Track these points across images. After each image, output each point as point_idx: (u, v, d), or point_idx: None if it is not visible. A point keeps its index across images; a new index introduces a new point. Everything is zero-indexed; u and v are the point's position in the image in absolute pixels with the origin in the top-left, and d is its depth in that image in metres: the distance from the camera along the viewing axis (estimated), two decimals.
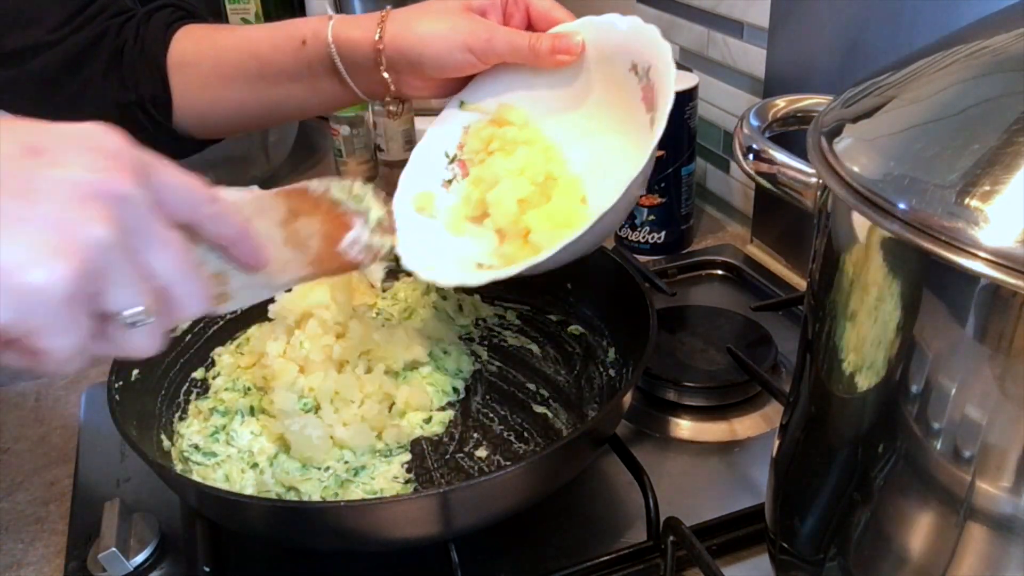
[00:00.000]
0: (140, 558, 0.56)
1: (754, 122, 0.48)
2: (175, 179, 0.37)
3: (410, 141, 1.12)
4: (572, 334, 0.72)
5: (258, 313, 0.71)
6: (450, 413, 0.66)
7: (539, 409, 0.66)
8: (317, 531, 0.51)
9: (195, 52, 0.67)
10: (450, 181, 0.66)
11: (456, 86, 0.66)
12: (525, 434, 0.64)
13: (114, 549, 0.55)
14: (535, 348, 0.72)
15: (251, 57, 0.65)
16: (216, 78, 0.66)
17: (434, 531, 0.51)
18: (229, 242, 0.41)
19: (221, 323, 0.71)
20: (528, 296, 0.76)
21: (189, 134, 0.69)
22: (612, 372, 0.67)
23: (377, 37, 0.62)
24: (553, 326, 0.74)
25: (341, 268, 0.50)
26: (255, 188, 0.48)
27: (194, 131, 0.69)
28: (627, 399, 0.57)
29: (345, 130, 1.12)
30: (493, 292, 0.77)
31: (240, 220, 0.42)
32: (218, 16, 1.47)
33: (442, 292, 0.75)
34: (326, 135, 1.24)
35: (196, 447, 0.60)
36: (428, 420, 0.65)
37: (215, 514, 0.55)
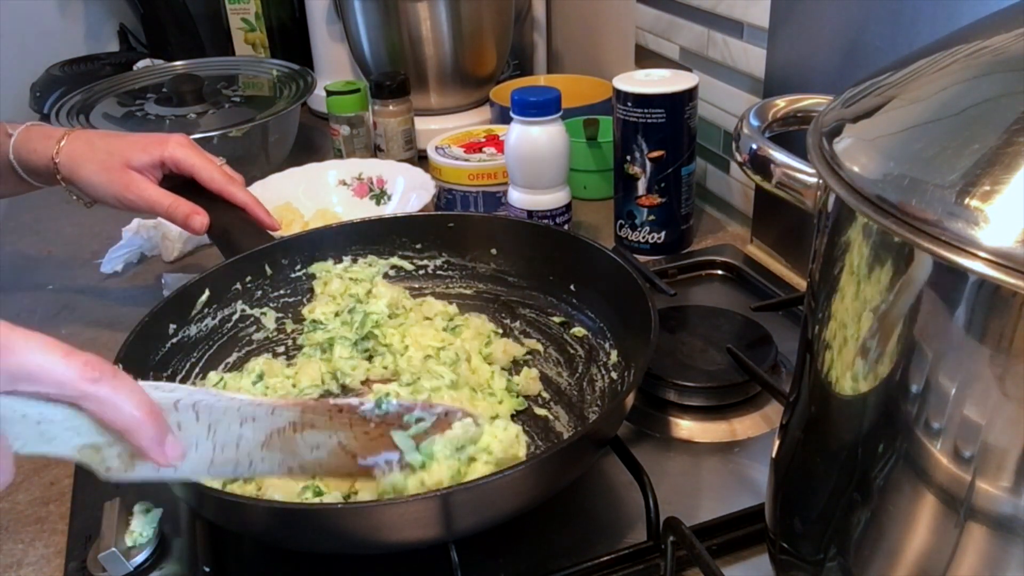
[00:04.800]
0: (140, 558, 0.56)
1: (754, 122, 0.48)
2: (34, 363, 0.39)
3: (410, 141, 1.12)
4: (575, 336, 0.72)
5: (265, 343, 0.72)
6: None
7: (540, 411, 0.65)
8: (316, 533, 0.50)
9: None
10: None
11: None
12: (525, 437, 0.63)
13: (114, 549, 0.55)
14: (540, 349, 0.72)
15: None
16: None
17: (434, 533, 0.50)
18: (120, 428, 0.42)
19: (223, 340, 0.71)
20: (531, 298, 0.76)
21: None
22: (614, 375, 0.67)
23: (54, 154, 0.77)
24: (556, 328, 0.74)
25: (346, 475, 0.53)
26: (278, 401, 0.50)
27: None
28: (629, 400, 0.57)
29: (345, 130, 1.13)
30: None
31: (138, 404, 0.42)
32: (217, 16, 1.48)
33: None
34: (326, 135, 1.24)
35: None
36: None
37: (214, 516, 0.55)
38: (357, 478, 0.53)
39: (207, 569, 0.55)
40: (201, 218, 0.76)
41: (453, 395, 0.64)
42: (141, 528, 0.57)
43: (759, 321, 0.74)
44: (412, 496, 0.53)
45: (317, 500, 0.55)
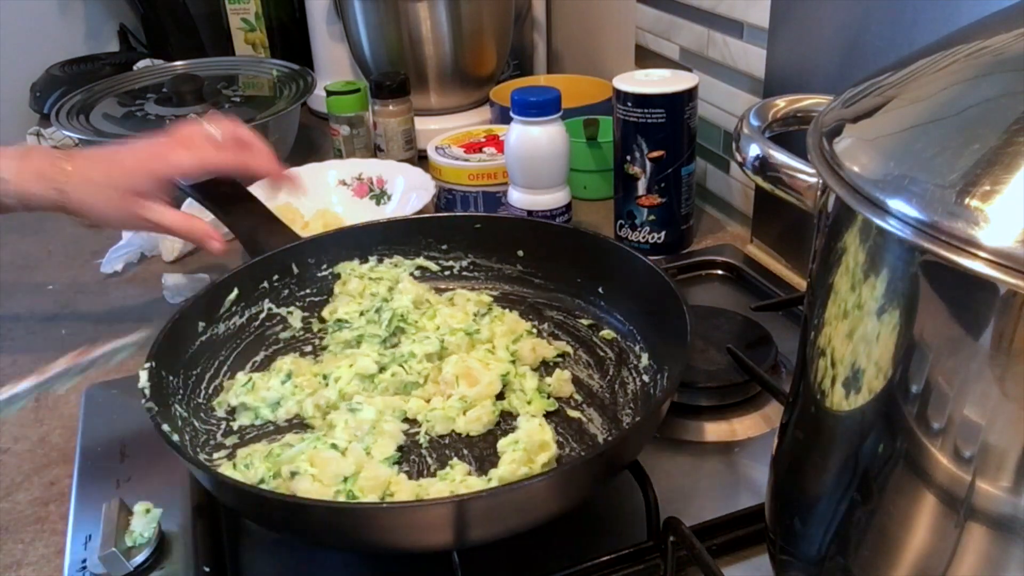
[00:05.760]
0: (140, 558, 0.56)
1: (754, 122, 0.48)
2: None
3: (410, 141, 1.12)
4: (604, 339, 0.71)
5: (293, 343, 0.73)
6: None
7: (573, 414, 0.65)
8: (329, 531, 0.50)
9: None
10: None
11: None
12: (559, 439, 0.62)
13: (114, 549, 0.55)
14: (569, 351, 0.71)
15: None
16: None
17: (450, 538, 0.50)
18: None
19: (250, 338, 0.71)
20: (558, 300, 0.76)
21: None
22: (646, 377, 0.66)
23: (56, 197, 0.74)
24: (584, 330, 0.73)
25: None
26: None
27: None
28: (664, 408, 0.55)
29: (345, 130, 1.13)
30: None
31: None
32: (217, 16, 1.48)
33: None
34: (326, 135, 1.24)
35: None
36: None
37: (232, 503, 0.55)
38: None
39: (207, 569, 0.55)
40: (217, 244, 0.78)
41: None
42: (141, 528, 0.58)
43: (759, 321, 0.74)
44: (434, 499, 0.53)
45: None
